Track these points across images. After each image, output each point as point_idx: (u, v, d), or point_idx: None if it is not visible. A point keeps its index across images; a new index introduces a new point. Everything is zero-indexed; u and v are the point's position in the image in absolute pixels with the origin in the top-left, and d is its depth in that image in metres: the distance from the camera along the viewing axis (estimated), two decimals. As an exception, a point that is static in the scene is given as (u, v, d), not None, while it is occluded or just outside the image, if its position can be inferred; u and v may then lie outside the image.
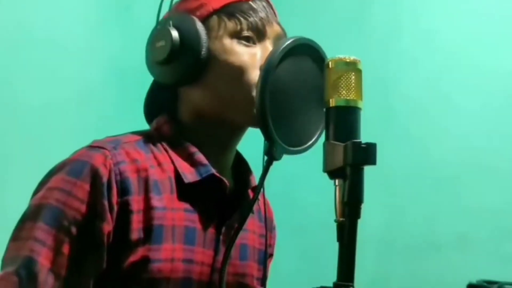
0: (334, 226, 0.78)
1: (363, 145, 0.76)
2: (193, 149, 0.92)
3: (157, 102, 1.01)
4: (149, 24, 2.07)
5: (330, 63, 0.84)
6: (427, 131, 2.17)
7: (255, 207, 1.01)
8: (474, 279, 1.76)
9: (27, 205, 0.87)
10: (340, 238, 0.80)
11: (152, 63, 0.95)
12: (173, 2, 1.00)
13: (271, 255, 1.10)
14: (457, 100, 2.20)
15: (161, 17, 1.00)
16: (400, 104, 2.21)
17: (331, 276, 0.78)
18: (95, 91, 1.93)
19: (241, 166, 1.01)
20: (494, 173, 2.10)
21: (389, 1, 2.40)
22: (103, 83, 1.97)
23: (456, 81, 2.21)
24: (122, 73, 2.03)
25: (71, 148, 1.68)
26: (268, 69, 0.84)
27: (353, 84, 0.82)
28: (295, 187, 2.27)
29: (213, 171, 0.91)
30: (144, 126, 1.99)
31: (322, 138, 0.90)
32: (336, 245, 0.77)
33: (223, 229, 0.92)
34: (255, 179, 1.00)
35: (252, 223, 1.00)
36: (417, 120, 2.15)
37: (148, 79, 2.08)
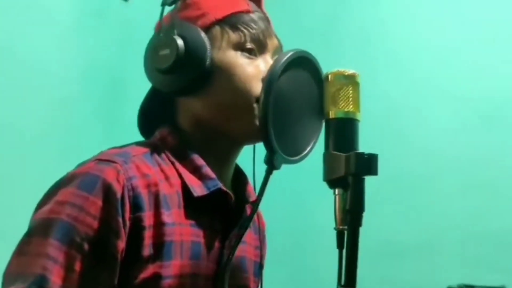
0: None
1: (365, 156, 0.79)
2: (200, 161, 0.92)
3: (153, 113, 1.00)
4: (122, 31, 2.08)
5: (329, 76, 0.87)
6: (392, 141, 2.22)
7: (254, 219, 1.02)
8: (451, 283, 1.81)
9: (32, 218, 0.85)
10: (340, 245, 0.83)
11: (154, 71, 0.93)
12: (165, 8, 0.99)
13: (262, 265, 1.11)
14: (422, 112, 2.26)
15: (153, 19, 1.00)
16: (367, 116, 2.26)
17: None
18: (69, 100, 1.92)
19: (239, 178, 1.02)
20: (456, 180, 2.16)
21: (359, 15, 2.45)
22: (77, 92, 1.95)
23: (423, 95, 2.27)
24: (96, 82, 2.02)
25: (45, 160, 1.66)
26: (271, 81, 0.86)
27: (351, 97, 0.86)
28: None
29: (220, 185, 0.91)
30: (117, 135, 2.02)
31: (317, 147, 0.95)
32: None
33: (227, 243, 0.93)
34: (254, 192, 1.01)
35: (249, 236, 1.01)
36: (382, 131, 2.19)
37: (120, 88, 2.09)
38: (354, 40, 2.42)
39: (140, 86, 2.12)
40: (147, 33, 2.20)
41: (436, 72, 2.26)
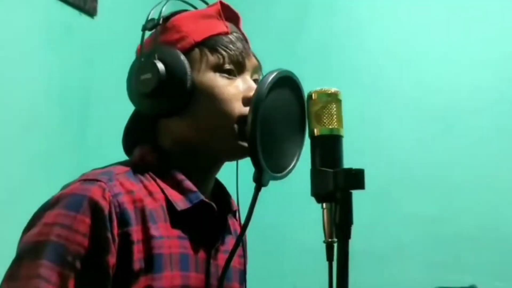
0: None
1: (353, 172, 0.83)
2: (181, 176, 0.94)
3: (137, 132, 1.02)
4: (90, 46, 2.07)
5: (313, 94, 0.90)
6: (356, 151, 2.26)
7: (232, 229, 1.05)
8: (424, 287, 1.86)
9: (20, 242, 0.86)
10: (330, 257, 0.86)
11: (136, 95, 0.96)
12: (145, 31, 1.01)
13: (245, 272, 1.14)
14: (391, 119, 2.32)
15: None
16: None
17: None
18: (37, 116, 1.89)
19: (218, 190, 1.05)
20: (419, 186, 2.22)
21: (323, 21, 2.49)
22: (45, 105, 1.93)
23: (391, 96, 2.32)
24: (64, 97, 2.00)
25: (11, 184, 1.63)
26: (258, 102, 0.88)
27: (335, 114, 0.89)
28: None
29: (202, 197, 0.94)
30: (86, 157, 2.01)
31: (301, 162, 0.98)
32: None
33: (213, 253, 0.96)
34: (235, 202, 1.05)
35: (232, 244, 1.03)
36: (351, 137, 2.23)
37: (91, 101, 2.08)
38: (316, 50, 2.45)
39: (108, 105, 2.13)
40: (115, 50, 2.21)
41: (399, 82, 2.32)
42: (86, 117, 2.10)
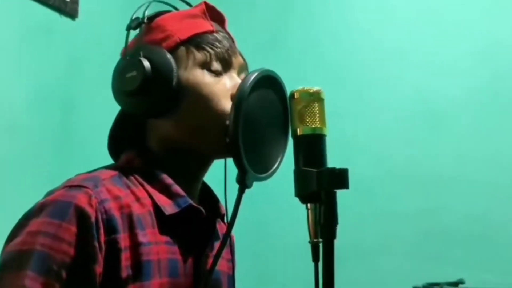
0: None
1: (337, 171, 0.82)
2: (169, 180, 0.93)
3: (123, 134, 1.01)
4: (71, 48, 2.05)
5: (295, 94, 0.90)
6: (340, 147, 2.26)
7: (221, 233, 1.03)
8: (414, 280, 1.86)
9: (3, 252, 0.84)
10: (315, 258, 0.85)
11: (121, 93, 0.94)
12: (130, 31, 1.00)
13: (234, 277, 1.13)
14: (375, 115, 2.32)
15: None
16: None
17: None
18: (19, 120, 1.87)
19: (206, 194, 1.03)
20: (410, 180, 2.22)
21: (306, 21, 2.49)
22: (26, 109, 1.91)
23: (375, 93, 2.33)
24: (46, 100, 1.98)
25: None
26: (240, 99, 0.87)
27: (317, 113, 0.89)
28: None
29: (191, 201, 0.92)
30: (69, 160, 1.99)
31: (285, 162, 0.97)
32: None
33: (202, 258, 0.94)
34: (223, 206, 1.03)
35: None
36: (336, 134, 2.23)
37: (72, 103, 2.06)
38: (299, 49, 2.45)
39: (92, 108, 2.11)
40: (97, 52, 2.20)
41: (384, 80, 2.32)
42: (69, 121, 2.08)
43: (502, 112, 2.15)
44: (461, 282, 1.90)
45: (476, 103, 2.18)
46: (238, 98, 0.88)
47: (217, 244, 0.98)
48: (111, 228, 0.84)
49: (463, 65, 2.22)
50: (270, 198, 2.05)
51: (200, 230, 0.96)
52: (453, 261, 2.09)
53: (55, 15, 2.04)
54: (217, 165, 1.02)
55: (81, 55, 2.13)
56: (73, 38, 2.10)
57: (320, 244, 0.84)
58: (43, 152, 1.96)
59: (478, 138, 2.16)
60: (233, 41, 1.00)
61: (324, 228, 0.83)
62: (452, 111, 2.21)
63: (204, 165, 1.00)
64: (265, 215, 2.34)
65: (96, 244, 0.82)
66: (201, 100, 0.93)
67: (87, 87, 2.12)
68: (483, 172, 2.14)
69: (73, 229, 0.82)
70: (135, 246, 0.85)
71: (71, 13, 2.09)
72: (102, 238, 0.83)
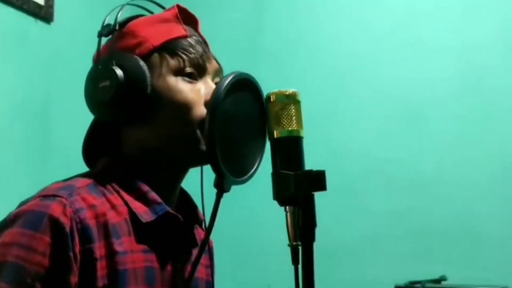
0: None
1: (314, 173, 0.82)
2: (145, 187, 0.92)
3: (98, 142, 1.00)
4: (48, 53, 2.03)
5: (271, 96, 0.89)
6: (331, 145, 2.27)
7: (198, 239, 1.03)
8: (396, 278, 1.87)
9: None
10: (295, 260, 0.85)
11: (95, 103, 0.93)
12: (102, 37, 0.98)
13: (213, 283, 1.12)
14: (355, 116, 2.32)
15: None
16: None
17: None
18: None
19: (184, 200, 1.02)
20: (391, 180, 2.23)
21: (284, 23, 2.48)
22: (2, 115, 1.88)
23: (355, 93, 2.33)
24: (23, 107, 1.96)
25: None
26: (215, 104, 0.87)
27: (294, 115, 0.88)
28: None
29: (168, 208, 0.91)
30: (50, 160, 1.96)
31: (263, 165, 0.96)
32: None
33: (179, 265, 0.94)
34: (201, 212, 1.02)
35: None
36: (320, 134, 2.24)
37: (49, 107, 2.03)
38: (276, 49, 2.45)
39: (68, 112, 2.08)
40: (75, 57, 2.17)
41: (362, 78, 2.32)
42: (46, 127, 2.06)
43: (483, 112, 2.16)
44: (443, 279, 1.91)
45: (457, 98, 2.20)
46: (212, 103, 0.87)
47: (195, 251, 0.98)
48: (86, 238, 0.83)
49: (444, 65, 2.22)
50: (254, 198, 2.04)
51: (178, 237, 0.95)
52: (435, 259, 2.10)
53: (30, 19, 2.01)
54: (194, 169, 1.01)
55: (59, 60, 2.10)
56: (49, 42, 2.08)
57: (300, 247, 0.84)
58: (20, 159, 1.93)
59: (459, 138, 2.17)
60: (206, 45, 0.99)
61: (302, 231, 0.82)
62: (433, 111, 2.22)
63: (180, 172, 0.98)
64: (248, 215, 2.34)
65: (71, 254, 0.81)
66: (175, 108, 0.92)
67: (64, 92, 2.09)
68: (463, 171, 2.15)
69: (47, 239, 0.80)
70: (111, 255, 0.84)
71: (47, 17, 2.06)
72: (77, 248, 0.82)
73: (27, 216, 0.82)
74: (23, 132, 1.95)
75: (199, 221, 1.02)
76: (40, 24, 2.05)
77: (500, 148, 2.12)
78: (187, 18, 0.99)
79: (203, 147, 0.90)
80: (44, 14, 2.05)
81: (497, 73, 2.16)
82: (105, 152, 0.98)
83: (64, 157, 2.00)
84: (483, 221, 2.09)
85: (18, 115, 1.94)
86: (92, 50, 0.99)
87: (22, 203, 0.87)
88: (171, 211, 0.92)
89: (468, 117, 2.18)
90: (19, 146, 1.93)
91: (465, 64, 2.20)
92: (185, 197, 1.03)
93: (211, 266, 1.06)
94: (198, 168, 1.02)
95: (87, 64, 1.01)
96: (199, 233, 1.03)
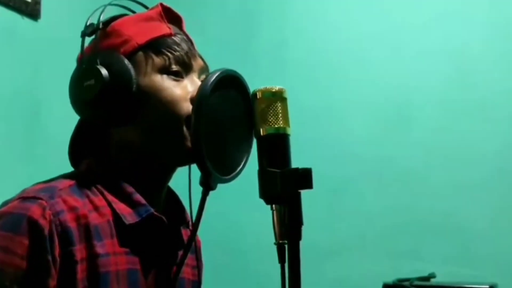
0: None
1: (300, 171, 0.81)
2: (130, 189, 0.91)
3: (84, 142, 0.98)
4: (35, 51, 2.01)
5: (257, 93, 0.88)
6: (314, 144, 2.27)
7: (186, 240, 1.01)
8: (384, 277, 1.86)
9: None
10: (281, 259, 0.84)
11: (80, 102, 0.91)
12: (85, 36, 0.97)
13: (200, 282, 1.11)
14: (343, 115, 2.31)
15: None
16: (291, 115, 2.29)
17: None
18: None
19: (173, 201, 1.01)
20: (378, 178, 2.22)
21: (274, 20, 2.47)
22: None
23: (344, 93, 2.32)
24: (9, 106, 1.94)
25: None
26: (201, 102, 0.86)
27: (280, 112, 0.88)
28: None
29: (152, 210, 0.90)
30: (36, 160, 1.94)
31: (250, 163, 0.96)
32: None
33: (164, 267, 0.93)
34: (188, 213, 1.01)
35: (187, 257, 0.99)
36: (309, 132, 2.23)
37: (36, 105, 2.01)
38: (268, 48, 2.44)
39: (57, 109, 2.07)
40: (62, 54, 2.15)
41: (352, 77, 2.31)
42: (33, 125, 2.04)
43: (470, 110, 2.16)
44: (432, 276, 1.91)
45: (446, 97, 2.19)
46: (198, 100, 0.86)
47: (181, 253, 0.96)
48: (66, 241, 0.82)
49: (433, 64, 2.22)
50: (243, 197, 2.03)
51: (163, 239, 0.93)
52: (424, 257, 2.10)
53: (16, 16, 1.99)
54: (182, 168, 1.00)
55: (46, 57, 2.08)
56: (36, 39, 2.06)
57: (286, 245, 0.84)
58: (8, 157, 1.91)
59: (447, 136, 2.17)
60: (191, 43, 0.98)
61: (289, 229, 0.81)
62: (421, 110, 2.22)
63: (167, 172, 0.97)
64: (238, 214, 2.33)
65: (50, 257, 0.80)
66: (161, 106, 0.90)
67: (51, 89, 2.07)
68: (451, 169, 2.15)
69: (26, 242, 0.79)
70: (92, 257, 0.83)
71: (33, 14, 2.04)
72: (57, 251, 0.81)
73: (6, 218, 0.81)
74: (10, 129, 1.93)
75: (185, 222, 1.01)
76: (27, 21, 2.03)
77: (488, 146, 2.12)
78: (171, 17, 0.98)
79: (189, 144, 0.89)
80: (31, 11, 2.03)
81: (488, 73, 2.16)
82: (90, 153, 0.96)
83: (51, 153, 1.99)
84: (472, 219, 2.09)
85: (5, 111, 1.92)
86: (79, 47, 0.97)
87: (3, 204, 0.86)
88: (155, 213, 0.91)
89: (456, 115, 2.18)
90: (6, 143, 1.91)
91: (455, 64, 2.20)
92: (173, 198, 1.02)
93: (198, 266, 1.04)
94: (186, 167, 1.01)
95: (74, 61, 0.99)
96: (187, 234, 1.02)
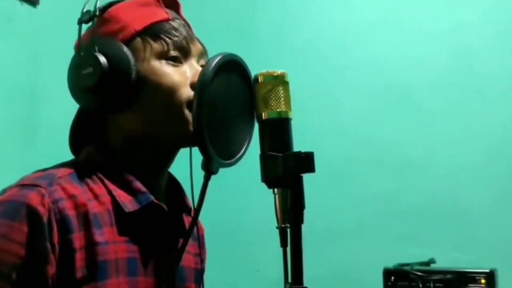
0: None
1: (302, 155, 0.81)
2: (130, 177, 0.91)
3: (84, 130, 0.98)
4: (34, 37, 2.00)
5: (259, 78, 0.88)
6: (319, 127, 2.27)
7: (188, 227, 1.00)
8: (386, 261, 1.87)
9: None
10: (284, 243, 0.84)
11: (79, 91, 0.91)
12: (83, 23, 0.97)
13: (203, 270, 1.11)
14: (343, 98, 2.31)
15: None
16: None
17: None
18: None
19: (173, 187, 1.01)
20: (379, 163, 2.22)
21: (274, 4, 2.46)
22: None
23: (342, 79, 2.32)
24: (8, 94, 1.93)
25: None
26: (203, 86, 0.86)
27: (282, 96, 0.87)
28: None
29: (152, 198, 0.90)
30: (36, 149, 1.94)
31: (252, 147, 0.95)
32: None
33: (164, 255, 0.92)
34: (189, 200, 1.00)
35: (188, 244, 0.99)
36: (307, 119, 2.23)
37: (35, 92, 2.01)
38: (268, 36, 2.43)
39: (56, 96, 2.06)
40: (62, 40, 2.14)
41: (350, 60, 2.31)
42: (33, 112, 2.03)
43: (472, 93, 2.16)
44: (432, 261, 1.92)
45: (445, 80, 2.19)
46: (200, 84, 0.86)
47: (182, 240, 0.96)
48: (65, 228, 0.82)
49: (434, 47, 2.21)
50: (244, 182, 2.03)
51: (164, 227, 0.93)
52: (424, 241, 2.11)
53: (15, 2, 1.98)
54: (182, 152, 1.00)
55: (43, 43, 2.07)
56: (35, 26, 2.04)
57: (288, 229, 0.84)
58: (7, 144, 1.91)
59: (448, 120, 2.17)
60: (189, 28, 0.98)
61: (291, 213, 0.81)
62: (422, 92, 2.21)
63: (168, 157, 0.97)
64: (237, 199, 2.34)
65: (48, 245, 0.80)
66: (161, 91, 0.90)
67: (50, 75, 2.06)
68: (452, 153, 2.15)
69: (25, 229, 0.80)
70: (91, 245, 0.83)
71: (32, 0, 2.03)
72: (55, 239, 0.81)
73: (4, 206, 0.82)
74: (9, 115, 1.93)
75: (187, 209, 1.01)
76: (26, 7, 2.02)
77: (489, 130, 2.12)
78: (169, 2, 0.98)
79: (191, 128, 0.88)
80: (30, -3, 2.02)
81: (488, 55, 2.15)
82: (90, 140, 0.96)
83: (51, 140, 1.98)
84: (472, 204, 2.10)
85: (3, 98, 1.91)
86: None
87: (2, 192, 0.86)
88: (155, 200, 0.91)
89: (457, 99, 2.17)
90: (4, 130, 1.91)
91: (455, 45, 2.20)
92: (174, 184, 1.02)
93: (200, 254, 1.04)
94: (187, 152, 1.01)
95: (73, 47, 0.99)
96: (189, 221, 1.01)
